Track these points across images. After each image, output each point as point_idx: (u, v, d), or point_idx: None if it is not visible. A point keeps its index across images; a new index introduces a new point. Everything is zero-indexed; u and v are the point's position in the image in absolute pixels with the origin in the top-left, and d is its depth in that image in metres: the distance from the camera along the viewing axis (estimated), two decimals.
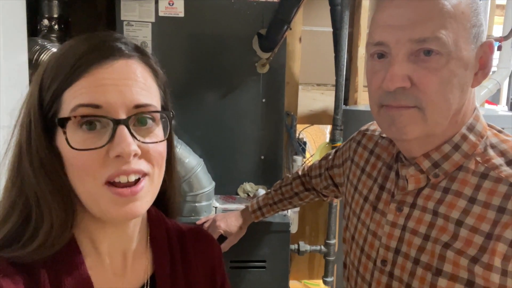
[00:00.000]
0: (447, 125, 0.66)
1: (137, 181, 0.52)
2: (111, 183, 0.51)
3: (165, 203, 0.67)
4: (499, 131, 0.71)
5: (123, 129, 0.50)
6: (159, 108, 0.56)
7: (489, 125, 0.71)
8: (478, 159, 0.66)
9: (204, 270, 0.68)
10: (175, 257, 0.64)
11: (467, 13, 0.63)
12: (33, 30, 1.56)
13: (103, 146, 0.50)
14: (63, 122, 0.50)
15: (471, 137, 0.68)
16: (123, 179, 0.51)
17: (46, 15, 1.56)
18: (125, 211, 0.52)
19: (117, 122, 0.50)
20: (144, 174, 0.53)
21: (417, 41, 0.61)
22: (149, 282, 0.61)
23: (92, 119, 0.50)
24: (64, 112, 0.51)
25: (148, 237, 0.64)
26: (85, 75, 0.50)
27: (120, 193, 0.51)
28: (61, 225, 0.52)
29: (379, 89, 0.66)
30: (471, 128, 0.68)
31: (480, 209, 0.63)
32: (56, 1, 1.56)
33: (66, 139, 0.50)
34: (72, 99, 0.50)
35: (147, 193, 0.54)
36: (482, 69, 0.67)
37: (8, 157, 0.55)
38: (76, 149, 0.50)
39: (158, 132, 0.55)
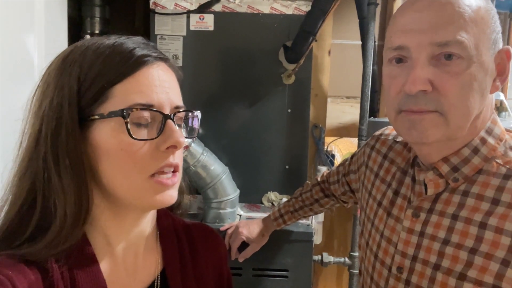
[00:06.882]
0: (467, 130, 0.65)
1: (173, 172, 0.57)
2: (152, 175, 0.54)
3: None
4: None
5: (171, 123, 0.55)
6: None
7: (507, 130, 0.70)
8: (499, 161, 0.65)
9: (212, 264, 0.69)
10: (184, 251, 0.65)
11: (486, 19, 0.63)
12: None
13: (156, 137, 0.54)
14: (127, 113, 0.52)
15: (490, 140, 0.67)
16: (167, 169, 0.55)
17: (89, 31, 1.68)
18: (165, 198, 0.55)
19: (166, 117, 0.55)
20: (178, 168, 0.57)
21: (439, 44, 0.61)
22: (159, 278, 0.62)
23: (147, 112, 0.54)
24: (115, 106, 0.53)
25: (158, 232, 0.65)
26: (137, 72, 0.54)
27: (163, 182, 0.54)
28: (73, 221, 0.52)
29: (399, 93, 0.66)
30: (489, 132, 0.67)
31: (504, 209, 0.61)
32: (98, 18, 1.68)
33: (128, 130, 0.52)
34: (127, 95, 0.53)
35: (178, 184, 0.58)
36: (499, 75, 0.66)
37: (21, 150, 0.56)
38: (137, 139, 0.53)
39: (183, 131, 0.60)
